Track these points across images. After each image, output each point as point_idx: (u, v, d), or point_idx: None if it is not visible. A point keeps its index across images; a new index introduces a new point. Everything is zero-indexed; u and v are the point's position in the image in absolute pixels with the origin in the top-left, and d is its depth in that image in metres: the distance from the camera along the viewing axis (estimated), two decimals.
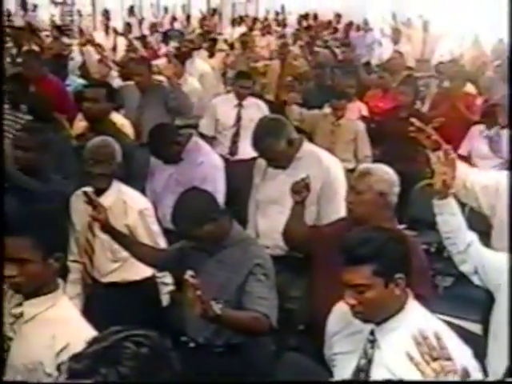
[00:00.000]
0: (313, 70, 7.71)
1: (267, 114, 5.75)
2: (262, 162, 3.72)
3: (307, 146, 3.69)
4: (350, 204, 2.95)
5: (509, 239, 2.82)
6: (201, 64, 7.81)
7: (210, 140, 5.60)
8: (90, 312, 3.39)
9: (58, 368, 2.15)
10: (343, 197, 3.30)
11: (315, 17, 15.78)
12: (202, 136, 5.43)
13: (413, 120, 2.92)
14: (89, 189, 3.42)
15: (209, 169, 4.14)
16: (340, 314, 2.35)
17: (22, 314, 2.25)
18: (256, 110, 5.69)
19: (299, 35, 11.29)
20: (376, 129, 6.05)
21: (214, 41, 9.85)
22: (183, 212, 2.81)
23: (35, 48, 8.04)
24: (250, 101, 5.86)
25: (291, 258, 3.40)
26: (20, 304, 2.26)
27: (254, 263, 2.78)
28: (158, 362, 1.53)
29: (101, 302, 3.37)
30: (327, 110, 5.99)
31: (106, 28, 11.97)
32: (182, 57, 7.35)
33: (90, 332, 2.16)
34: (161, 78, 5.92)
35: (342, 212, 3.31)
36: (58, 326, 2.20)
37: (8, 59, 7.59)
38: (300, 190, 3.16)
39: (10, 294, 2.29)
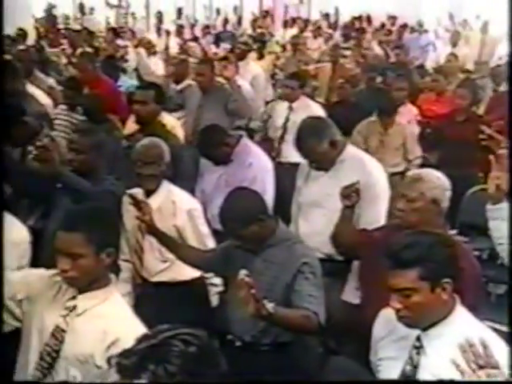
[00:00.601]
0: (364, 72, 7.67)
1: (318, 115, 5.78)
2: (305, 165, 3.72)
3: (350, 149, 3.68)
4: (400, 212, 2.92)
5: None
6: (254, 66, 7.85)
7: (265, 142, 5.64)
8: (139, 310, 3.48)
9: (108, 361, 2.17)
10: (384, 201, 3.29)
11: (368, 19, 15.67)
12: (251, 137, 5.48)
13: (484, 128, 2.89)
14: (138, 190, 3.50)
15: (258, 171, 4.17)
16: (386, 319, 2.34)
17: (75, 308, 2.31)
18: (306, 112, 5.69)
19: (351, 37, 11.24)
20: (432, 133, 5.98)
21: (264, 43, 9.88)
22: (230, 211, 2.84)
23: (90, 50, 8.20)
24: (302, 103, 5.85)
25: (331, 261, 3.41)
26: (74, 297, 2.32)
27: (301, 262, 2.80)
28: (205, 361, 1.56)
29: (150, 301, 3.42)
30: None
31: (158, 30, 12.15)
32: (235, 58, 7.38)
33: (139, 328, 2.22)
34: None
35: (382, 216, 3.31)
36: (109, 320, 2.26)
37: (64, 60, 7.77)
38: (350, 194, 3.16)
39: (65, 287, 2.34)
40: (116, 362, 1.59)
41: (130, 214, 3.52)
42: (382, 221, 3.45)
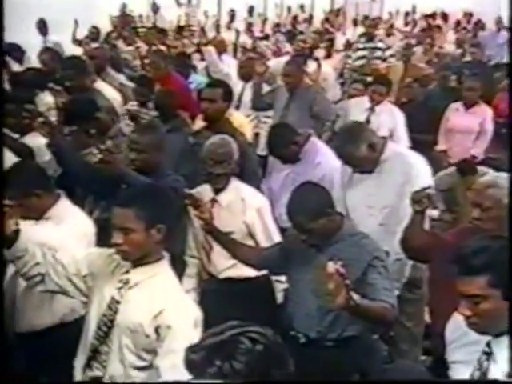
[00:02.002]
0: (437, 71, 7.52)
1: (400, 121, 5.72)
2: (347, 168, 3.74)
3: (391, 147, 3.67)
4: (477, 221, 2.87)
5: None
6: (323, 65, 7.83)
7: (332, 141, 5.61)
8: (205, 306, 3.53)
9: (156, 331, 2.35)
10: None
11: (444, 16, 15.36)
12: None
13: None
14: (207, 187, 3.54)
15: (326, 170, 4.15)
16: (458, 322, 2.30)
17: (128, 281, 2.46)
18: (388, 116, 5.65)
19: (425, 35, 11.04)
20: (507, 132, 5.82)
21: (332, 41, 9.81)
22: (299, 205, 2.85)
23: (162, 48, 8.34)
24: (384, 107, 5.85)
25: None
26: (127, 272, 2.47)
27: (372, 256, 2.81)
28: (271, 359, 1.58)
29: (216, 297, 3.48)
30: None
31: (228, 28, 12.24)
32: (304, 56, 7.38)
33: (185, 302, 2.44)
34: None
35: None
36: (158, 293, 2.40)
37: (138, 58, 7.92)
38: (421, 199, 3.12)
39: (121, 262, 2.49)
40: (184, 357, 1.62)
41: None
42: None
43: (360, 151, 3.51)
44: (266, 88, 6.16)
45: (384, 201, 3.52)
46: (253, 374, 1.55)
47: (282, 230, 3.57)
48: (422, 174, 3.57)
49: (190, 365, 1.60)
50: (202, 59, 8.18)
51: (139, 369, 2.42)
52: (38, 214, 2.91)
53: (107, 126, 4.22)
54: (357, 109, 5.93)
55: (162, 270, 2.49)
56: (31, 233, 2.66)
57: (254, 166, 4.35)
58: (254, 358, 1.55)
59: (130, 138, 3.80)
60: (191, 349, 1.62)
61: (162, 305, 2.36)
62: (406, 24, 14.81)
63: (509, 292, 2.07)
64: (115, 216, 2.43)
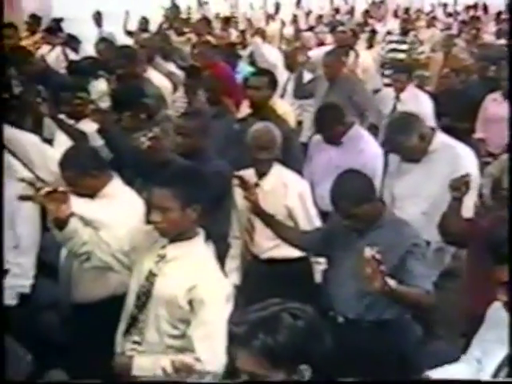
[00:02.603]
0: (477, 61, 7.36)
1: (425, 105, 5.63)
2: (395, 157, 3.71)
3: (440, 138, 3.63)
4: None
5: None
6: (364, 55, 7.74)
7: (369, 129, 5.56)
8: (247, 285, 3.56)
9: (190, 303, 2.40)
10: (473, 190, 3.21)
11: (485, 7, 14.99)
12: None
13: None
14: (251, 171, 3.54)
15: (369, 157, 4.10)
16: (496, 307, 2.26)
17: (165, 255, 2.52)
18: (414, 103, 5.56)
19: (466, 27, 10.82)
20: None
21: (374, 32, 9.67)
22: (343, 190, 2.83)
23: (210, 38, 8.34)
24: (409, 93, 5.75)
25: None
26: (164, 247, 2.53)
27: (411, 243, 2.78)
28: (311, 335, 1.60)
29: (258, 276, 3.50)
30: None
31: (273, 19, 12.17)
32: (344, 47, 7.28)
33: (217, 277, 2.48)
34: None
35: (469, 205, 3.29)
36: (192, 267, 2.45)
37: (189, 48, 7.94)
38: (459, 186, 3.08)
39: (157, 238, 2.53)
40: (228, 330, 1.65)
41: (241, 194, 3.59)
42: (470, 208, 3.38)
43: (411, 141, 3.51)
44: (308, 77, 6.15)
45: (429, 190, 3.50)
46: (294, 349, 1.57)
47: (322, 214, 3.56)
48: (469, 166, 3.51)
49: (232, 338, 1.63)
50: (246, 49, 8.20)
51: (173, 337, 2.48)
52: (93, 193, 2.95)
53: (154, 111, 4.25)
54: (387, 97, 5.88)
55: (197, 246, 2.54)
56: (86, 209, 2.73)
57: (297, 152, 4.34)
58: (295, 332, 1.57)
59: (176, 122, 3.85)
60: (234, 323, 1.65)
61: (196, 279, 2.41)
62: (448, 15, 14.50)
63: None
64: (154, 196, 2.49)
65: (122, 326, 2.61)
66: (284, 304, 1.62)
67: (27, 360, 2.88)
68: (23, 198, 2.53)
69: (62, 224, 2.57)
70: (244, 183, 3.17)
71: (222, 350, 2.31)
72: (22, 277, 3.17)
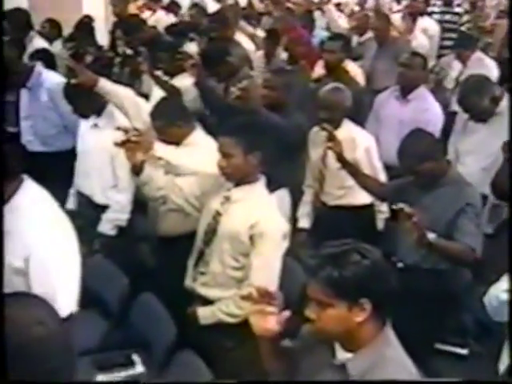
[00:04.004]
0: None
1: (492, 71, 5.35)
2: (463, 115, 3.62)
3: (506, 101, 3.52)
4: None
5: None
6: (430, 23, 7.39)
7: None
8: (316, 229, 3.55)
9: (251, 238, 2.42)
10: None
11: None
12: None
13: None
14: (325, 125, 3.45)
15: (432, 116, 3.95)
16: None
17: (229, 197, 2.53)
18: (478, 68, 5.27)
19: None
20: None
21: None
22: (409, 148, 2.77)
23: (290, 5, 8.18)
24: (475, 59, 5.46)
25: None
26: (229, 190, 2.55)
27: (466, 202, 2.69)
28: (376, 273, 1.58)
29: (326, 221, 3.47)
30: None
31: None
32: (414, 15, 7.02)
33: (276, 216, 2.49)
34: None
35: None
36: (254, 207, 2.47)
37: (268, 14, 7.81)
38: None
39: (223, 181, 2.56)
40: (304, 262, 1.65)
41: (315, 147, 3.54)
42: None
43: (483, 102, 3.44)
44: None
45: (492, 148, 3.37)
46: (358, 283, 1.55)
47: (386, 167, 3.49)
48: None
49: (306, 267, 1.67)
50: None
51: (235, 269, 2.51)
52: (178, 141, 2.96)
53: (236, 69, 4.21)
54: (456, 62, 5.60)
55: (258, 189, 2.54)
56: (172, 155, 2.75)
57: (366, 111, 4.23)
58: (361, 269, 1.55)
59: (264, 77, 3.89)
60: (310, 255, 1.65)
61: (257, 217, 2.43)
62: None
63: None
64: (220, 143, 2.51)
65: (191, 260, 2.65)
66: (353, 244, 1.61)
67: (124, 282, 2.98)
68: (118, 144, 2.57)
69: (138, 170, 2.66)
70: (331, 135, 3.10)
71: (275, 280, 2.41)
72: (119, 212, 3.26)
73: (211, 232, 2.55)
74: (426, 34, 6.83)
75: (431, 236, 2.43)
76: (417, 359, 1.67)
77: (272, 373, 1.81)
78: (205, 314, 2.55)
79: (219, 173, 2.53)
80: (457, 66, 5.60)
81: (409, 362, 1.61)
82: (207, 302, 2.57)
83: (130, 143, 2.54)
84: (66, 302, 2.07)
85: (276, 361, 1.77)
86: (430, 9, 8.33)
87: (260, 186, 2.54)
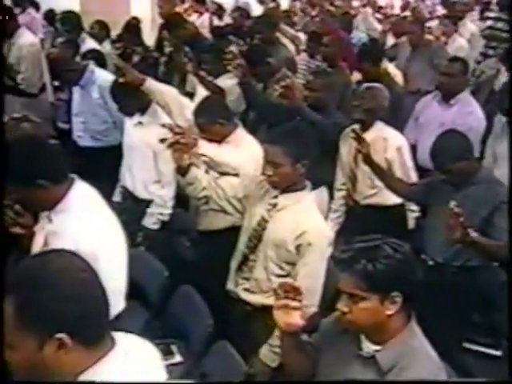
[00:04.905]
0: None
1: None
2: (501, 119, 3.54)
3: None
4: None
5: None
6: (471, 26, 7.27)
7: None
8: (348, 226, 3.54)
9: (297, 248, 2.36)
10: None
11: None
12: None
13: None
14: (356, 126, 3.46)
15: (475, 120, 3.87)
16: None
17: (276, 204, 2.47)
18: None
19: None
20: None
21: (487, 4, 8.98)
22: (442, 148, 2.77)
23: (330, 8, 8.16)
24: None
25: None
26: (276, 197, 2.47)
27: (500, 200, 2.67)
28: (407, 267, 1.60)
29: (358, 219, 3.46)
30: None
31: None
32: (455, 18, 6.92)
33: (323, 224, 2.45)
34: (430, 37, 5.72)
35: None
36: (301, 216, 2.39)
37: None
38: None
39: (268, 188, 2.49)
40: (333, 256, 1.65)
41: (347, 147, 3.53)
42: None
43: None
44: None
45: None
46: (390, 276, 1.57)
47: (424, 170, 3.46)
48: None
49: (338, 263, 1.64)
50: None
51: (279, 276, 2.42)
52: (220, 139, 2.97)
53: (275, 70, 4.24)
54: (490, 65, 5.43)
55: (305, 197, 2.46)
56: (214, 153, 2.78)
57: (406, 112, 4.21)
58: (393, 263, 1.57)
59: (306, 79, 3.91)
60: (342, 249, 1.65)
61: (305, 227, 2.35)
62: None
63: None
64: (266, 151, 2.41)
65: (234, 264, 2.61)
66: (386, 239, 1.63)
67: (165, 275, 2.99)
68: (163, 140, 2.57)
69: (184, 171, 2.63)
70: (358, 136, 3.10)
71: (320, 288, 2.37)
72: (162, 206, 3.31)
73: (256, 238, 2.49)
74: (470, 37, 6.74)
75: (473, 234, 2.39)
76: (444, 355, 1.68)
77: (293, 366, 1.81)
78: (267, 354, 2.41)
79: (264, 179, 2.47)
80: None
81: (433, 353, 1.63)
82: (248, 305, 2.53)
83: (178, 144, 2.52)
84: (115, 300, 2.09)
85: (298, 355, 1.77)
86: (485, 14, 8.20)
87: (306, 194, 2.47)
